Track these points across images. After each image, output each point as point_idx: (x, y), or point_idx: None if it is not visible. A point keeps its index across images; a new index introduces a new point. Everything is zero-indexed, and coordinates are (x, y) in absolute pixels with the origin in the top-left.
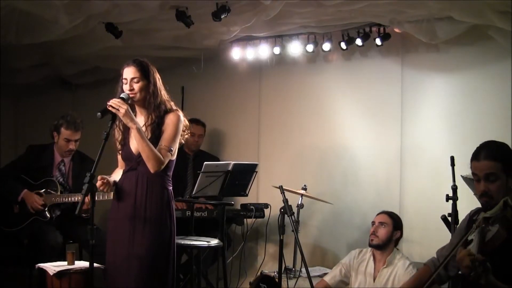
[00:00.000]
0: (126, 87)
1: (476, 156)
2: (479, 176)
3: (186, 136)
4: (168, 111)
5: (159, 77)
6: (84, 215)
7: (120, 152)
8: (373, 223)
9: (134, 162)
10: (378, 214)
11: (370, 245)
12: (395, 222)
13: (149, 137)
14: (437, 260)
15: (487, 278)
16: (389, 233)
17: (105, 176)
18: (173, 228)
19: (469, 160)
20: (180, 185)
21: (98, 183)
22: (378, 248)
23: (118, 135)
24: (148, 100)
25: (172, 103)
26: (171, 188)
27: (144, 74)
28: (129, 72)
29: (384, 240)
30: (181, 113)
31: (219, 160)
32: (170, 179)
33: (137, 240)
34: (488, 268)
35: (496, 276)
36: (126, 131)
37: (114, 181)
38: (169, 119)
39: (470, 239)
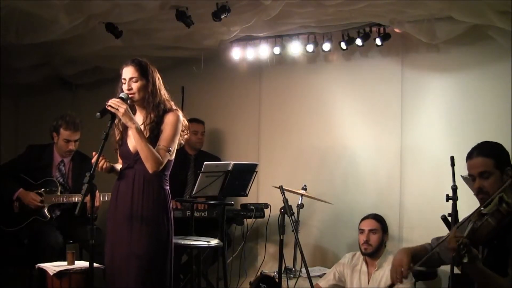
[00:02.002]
0: (125, 87)
1: (470, 155)
2: (474, 175)
3: (185, 136)
4: (167, 110)
5: (159, 77)
6: (89, 215)
7: (117, 150)
8: (361, 230)
9: (131, 160)
10: (364, 220)
11: (364, 254)
12: (383, 225)
13: (147, 136)
14: (429, 245)
15: (475, 265)
16: (380, 239)
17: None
18: (171, 228)
19: None
20: (180, 185)
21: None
22: (371, 256)
23: (117, 133)
24: (147, 99)
25: (172, 103)
26: (168, 187)
27: (143, 74)
28: (127, 72)
29: (377, 246)
30: (180, 113)
31: (220, 160)
32: (168, 178)
33: (134, 239)
34: (474, 254)
35: (488, 265)
36: (125, 130)
37: (112, 166)
38: (168, 119)
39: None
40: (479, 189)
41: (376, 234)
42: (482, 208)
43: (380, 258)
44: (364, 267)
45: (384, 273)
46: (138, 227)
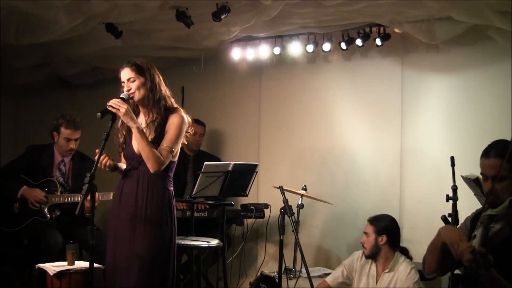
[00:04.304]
0: (124, 89)
1: (486, 153)
2: (487, 175)
3: (189, 133)
4: (169, 109)
5: (159, 74)
6: (87, 214)
7: (120, 152)
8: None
9: (135, 161)
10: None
11: (365, 256)
12: (377, 227)
13: (152, 136)
14: None
15: (488, 271)
16: (373, 241)
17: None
18: (174, 229)
19: (469, 160)
20: (180, 185)
21: (102, 157)
22: (371, 258)
23: (120, 136)
24: (147, 96)
25: (172, 100)
26: (172, 188)
27: (139, 72)
28: (124, 74)
29: (371, 249)
30: (184, 113)
31: (219, 160)
32: (171, 179)
33: (137, 239)
34: (489, 261)
35: (499, 274)
36: (128, 133)
37: (115, 164)
38: (173, 120)
39: (474, 235)
40: (490, 190)
41: (368, 237)
42: (491, 210)
43: (393, 261)
44: (373, 268)
45: (394, 276)
46: (141, 228)
